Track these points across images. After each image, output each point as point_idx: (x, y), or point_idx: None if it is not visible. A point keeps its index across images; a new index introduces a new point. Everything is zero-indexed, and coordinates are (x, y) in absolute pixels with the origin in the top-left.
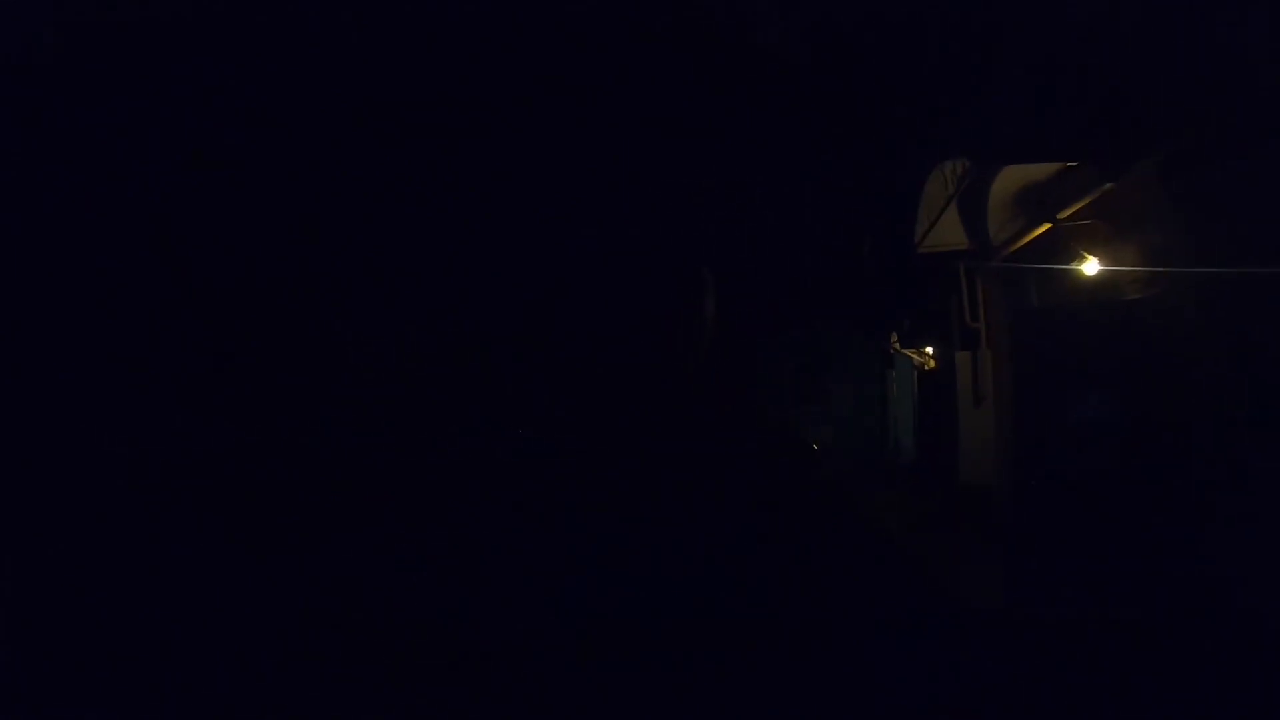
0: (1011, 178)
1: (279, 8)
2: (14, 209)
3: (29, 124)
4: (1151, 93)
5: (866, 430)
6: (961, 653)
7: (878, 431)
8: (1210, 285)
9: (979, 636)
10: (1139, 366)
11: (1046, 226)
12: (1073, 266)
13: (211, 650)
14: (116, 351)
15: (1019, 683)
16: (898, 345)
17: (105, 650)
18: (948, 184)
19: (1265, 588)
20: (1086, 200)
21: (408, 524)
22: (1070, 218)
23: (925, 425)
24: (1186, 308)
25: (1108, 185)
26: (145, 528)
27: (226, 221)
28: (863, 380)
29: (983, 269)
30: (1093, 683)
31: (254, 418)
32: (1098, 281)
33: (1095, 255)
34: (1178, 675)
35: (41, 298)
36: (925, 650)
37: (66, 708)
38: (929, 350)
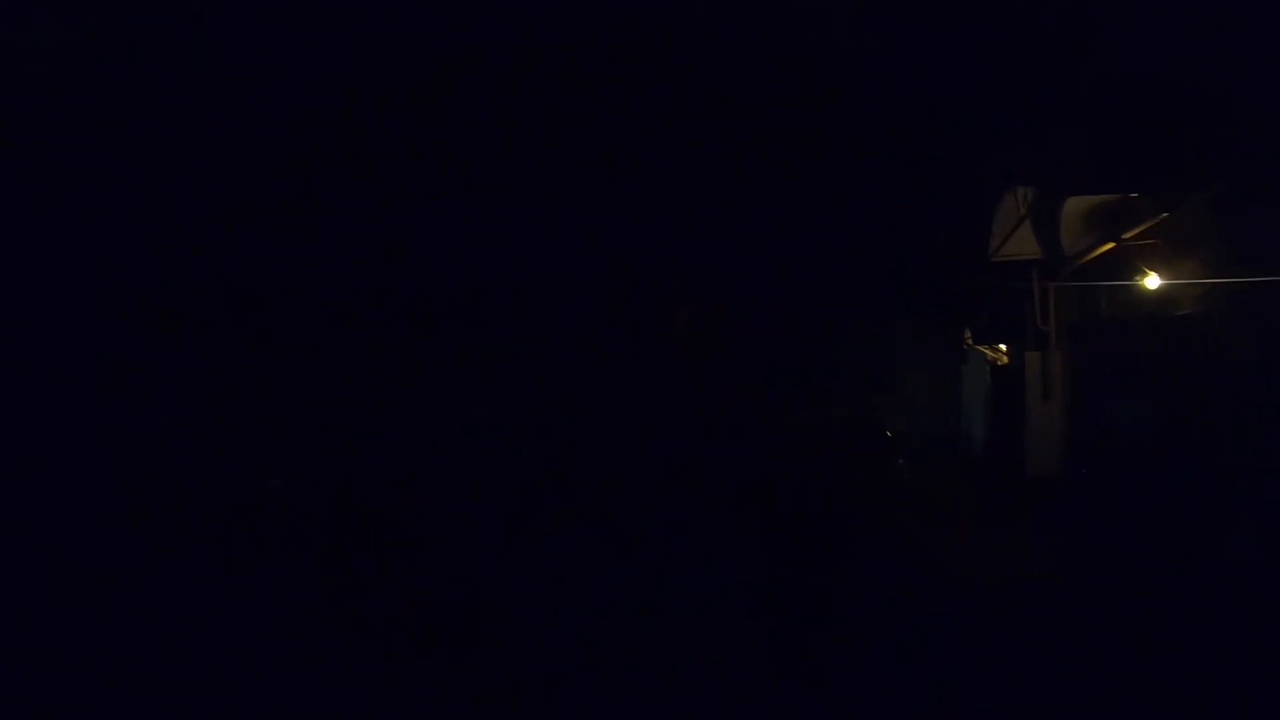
0: (1082, 199)
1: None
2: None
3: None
4: (1204, 135)
5: (940, 421)
6: (1004, 640)
7: (951, 423)
8: (1252, 304)
9: (1020, 624)
10: (1189, 372)
11: (1112, 245)
12: (1135, 281)
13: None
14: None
15: (1057, 669)
16: (971, 341)
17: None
18: (1019, 205)
19: None
20: (1145, 226)
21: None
22: (1134, 238)
23: (997, 418)
24: (1231, 323)
25: (1164, 214)
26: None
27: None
28: (938, 373)
29: (1054, 278)
30: (1127, 671)
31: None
32: (1158, 295)
33: (1156, 272)
34: (1206, 665)
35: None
36: (967, 636)
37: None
38: (1002, 348)
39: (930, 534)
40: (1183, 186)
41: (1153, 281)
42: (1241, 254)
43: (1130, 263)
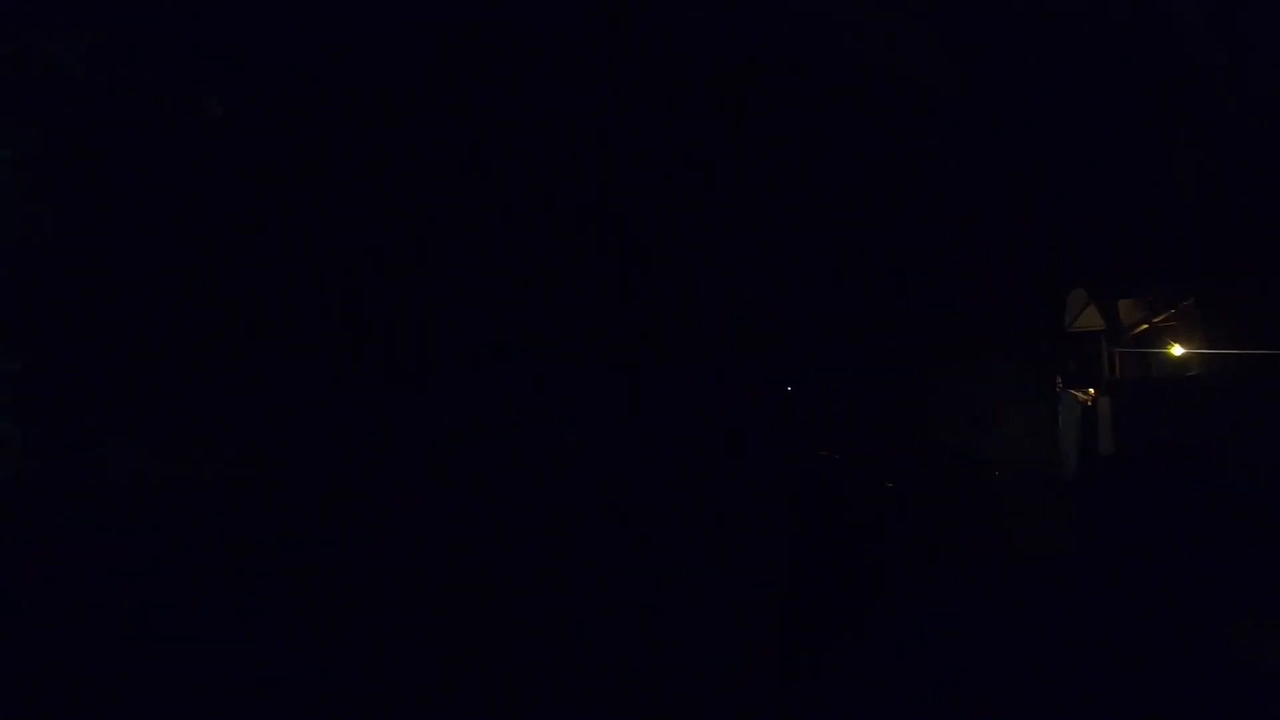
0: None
1: None
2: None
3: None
4: (1188, 258)
5: (1037, 451)
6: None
7: (1047, 452)
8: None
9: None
10: (1200, 410)
11: (1145, 325)
12: (1166, 350)
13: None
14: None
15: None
16: (1062, 386)
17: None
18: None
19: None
20: (1160, 317)
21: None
22: (1162, 320)
23: (1083, 449)
24: (1217, 381)
25: (1170, 309)
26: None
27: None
28: (1034, 411)
29: (1115, 344)
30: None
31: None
32: (1182, 359)
33: (1178, 343)
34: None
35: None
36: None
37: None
38: (1091, 391)
39: (1011, 523)
40: (1173, 292)
41: (1177, 350)
42: (1213, 336)
43: (1162, 337)
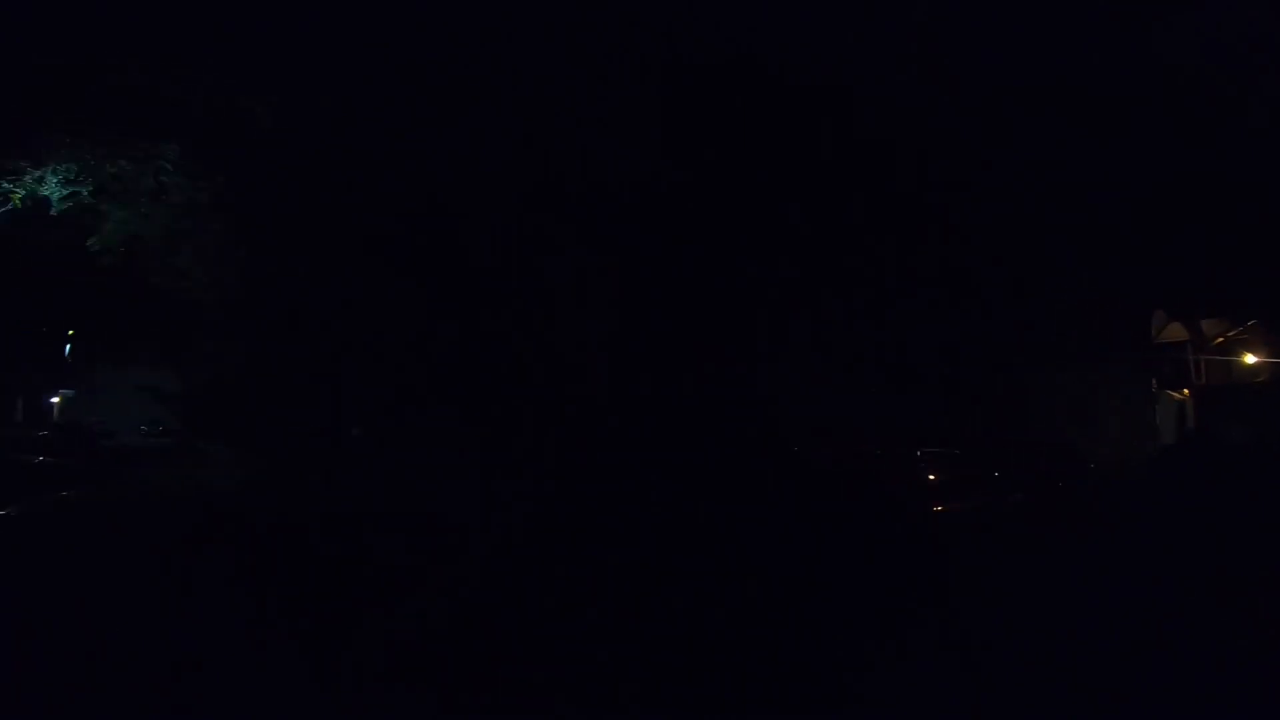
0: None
1: None
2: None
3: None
4: (1252, 287)
5: (1135, 448)
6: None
7: (1148, 439)
8: None
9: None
10: (1265, 414)
11: (1221, 339)
12: (1240, 358)
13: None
14: None
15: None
16: (1157, 387)
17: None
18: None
19: None
20: (1234, 331)
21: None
22: (1236, 334)
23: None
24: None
25: (1240, 327)
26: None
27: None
28: (1132, 410)
29: (1199, 353)
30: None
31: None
32: (1254, 367)
33: (1251, 353)
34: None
35: None
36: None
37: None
38: (1185, 391)
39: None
40: (1241, 313)
41: (1250, 358)
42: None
43: (1237, 348)
